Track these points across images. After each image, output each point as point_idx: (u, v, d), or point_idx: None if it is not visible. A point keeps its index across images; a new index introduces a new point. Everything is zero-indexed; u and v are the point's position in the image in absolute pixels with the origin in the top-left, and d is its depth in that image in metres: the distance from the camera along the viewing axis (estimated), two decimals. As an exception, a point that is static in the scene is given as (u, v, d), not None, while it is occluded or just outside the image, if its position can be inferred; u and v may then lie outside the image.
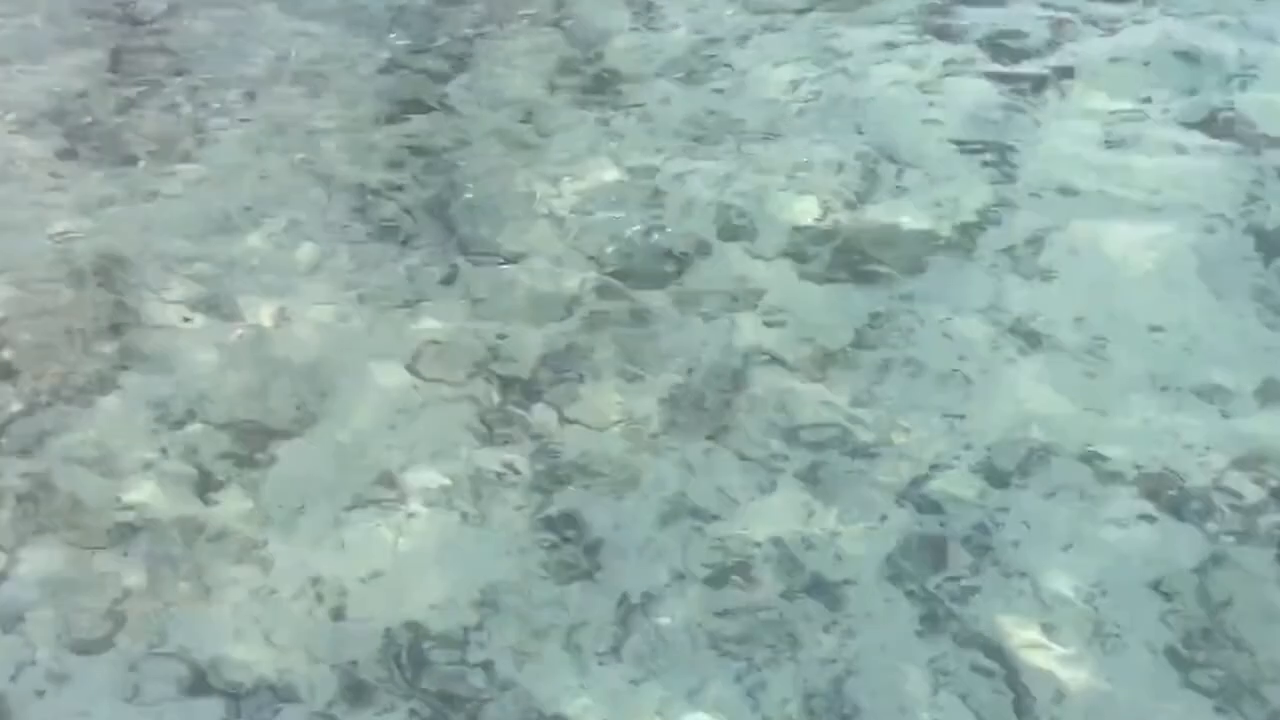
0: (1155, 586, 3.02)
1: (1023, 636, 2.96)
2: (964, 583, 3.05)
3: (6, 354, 3.60)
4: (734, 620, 3.01)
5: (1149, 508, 3.19)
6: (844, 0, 5.00)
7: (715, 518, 3.21)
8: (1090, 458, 3.31)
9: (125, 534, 3.18)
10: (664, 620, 3.00)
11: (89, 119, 4.44)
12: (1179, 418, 3.40)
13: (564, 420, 3.46)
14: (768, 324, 3.71)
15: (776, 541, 3.15)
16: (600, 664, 2.93)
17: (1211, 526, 3.13)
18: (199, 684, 2.91)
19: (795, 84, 4.60)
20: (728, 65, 4.71)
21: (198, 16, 4.93)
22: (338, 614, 3.04)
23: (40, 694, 2.89)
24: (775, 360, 3.61)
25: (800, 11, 4.94)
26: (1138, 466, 3.27)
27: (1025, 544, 3.12)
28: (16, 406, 3.47)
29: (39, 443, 3.38)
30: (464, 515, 3.23)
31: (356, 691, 2.90)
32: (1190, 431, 3.36)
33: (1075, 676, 2.88)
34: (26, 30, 4.84)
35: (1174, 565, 3.05)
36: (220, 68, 4.69)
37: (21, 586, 3.08)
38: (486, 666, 2.93)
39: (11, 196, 4.11)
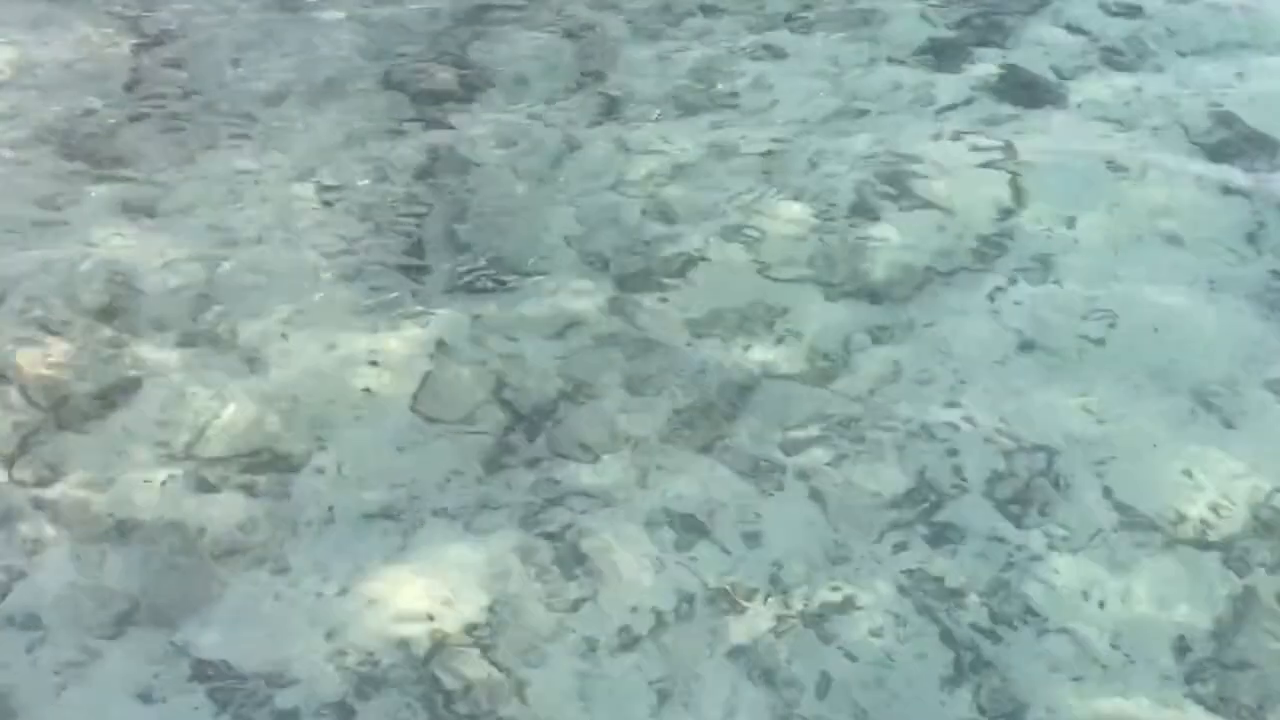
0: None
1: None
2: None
3: (17, 370, 3.60)
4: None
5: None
6: (849, 19, 5.03)
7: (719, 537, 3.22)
8: (1101, 475, 3.32)
9: (133, 554, 3.19)
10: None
11: (99, 134, 4.44)
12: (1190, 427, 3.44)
13: (569, 440, 3.46)
14: (776, 340, 3.72)
15: (779, 564, 3.16)
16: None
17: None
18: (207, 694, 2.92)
19: (804, 102, 4.62)
20: (736, 83, 4.72)
21: (208, 32, 4.94)
22: (343, 622, 3.05)
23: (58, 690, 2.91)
24: (782, 375, 3.61)
25: (809, 30, 4.98)
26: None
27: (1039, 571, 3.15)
28: (27, 425, 3.46)
29: (52, 459, 3.38)
30: (467, 535, 3.23)
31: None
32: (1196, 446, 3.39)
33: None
34: (37, 45, 4.85)
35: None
36: (230, 84, 4.69)
37: (35, 591, 3.09)
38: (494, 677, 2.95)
39: (19, 213, 4.11)
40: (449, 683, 2.93)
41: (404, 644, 2.99)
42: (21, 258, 3.93)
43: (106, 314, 3.77)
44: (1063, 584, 3.10)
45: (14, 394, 3.53)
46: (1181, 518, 3.24)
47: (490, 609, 3.06)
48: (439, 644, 2.99)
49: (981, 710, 2.88)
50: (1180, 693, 2.91)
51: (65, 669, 2.95)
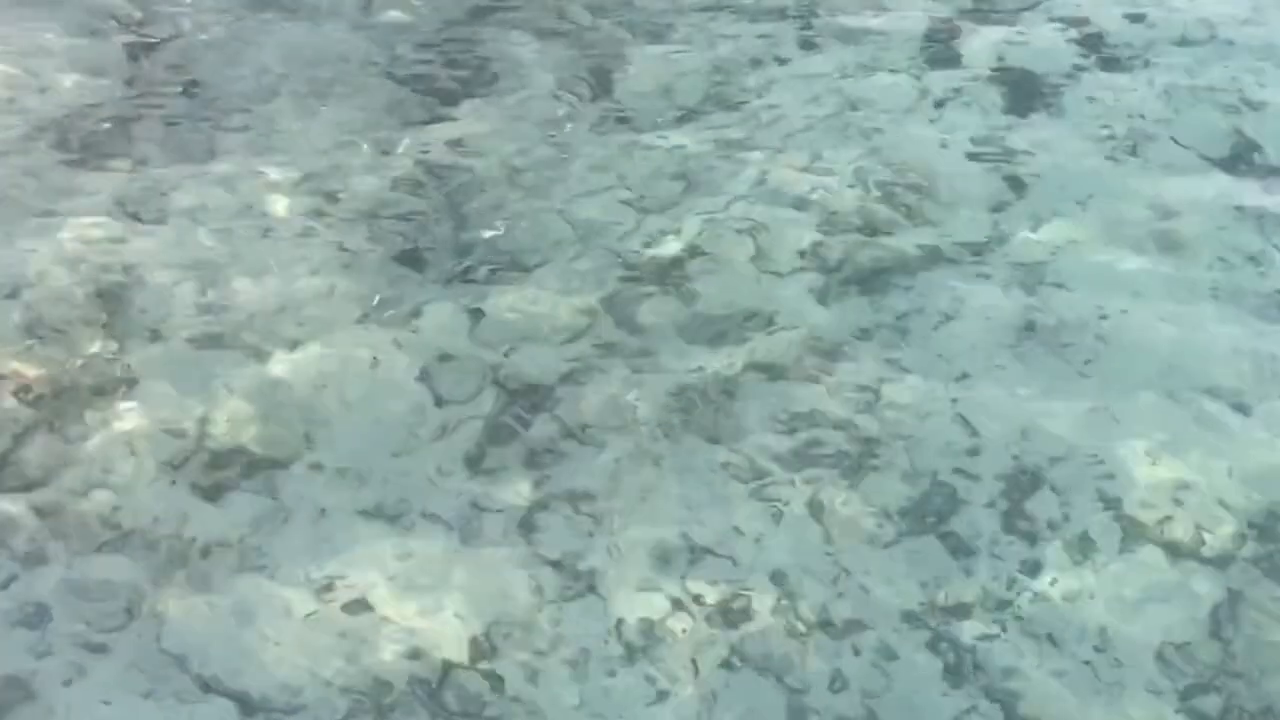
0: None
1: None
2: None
3: (14, 370, 3.59)
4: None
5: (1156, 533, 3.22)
6: (851, 19, 5.04)
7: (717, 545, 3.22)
8: (1100, 481, 3.32)
9: (132, 552, 3.18)
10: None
11: (99, 133, 4.44)
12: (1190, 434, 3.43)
13: (568, 441, 3.45)
14: (777, 339, 3.71)
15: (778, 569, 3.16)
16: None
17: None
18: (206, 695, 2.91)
19: (805, 101, 4.62)
20: (737, 84, 4.72)
21: (208, 32, 4.94)
22: (345, 629, 3.05)
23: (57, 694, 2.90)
24: (783, 376, 3.61)
25: (809, 31, 4.98)
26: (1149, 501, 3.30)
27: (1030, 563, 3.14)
28: (26, 422, 3.46)
29: (49, 459, 3.37)
30: (465, 538, 3.23)
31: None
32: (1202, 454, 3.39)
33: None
34: (39, 43, 4.84)
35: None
36: (230, 83, 4.69)
37: (32, 593, 3.08)
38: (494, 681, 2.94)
39: (20, 211, 4.10)
40: (447, 692, 2.92)
41: (401, 651, 2.98)
42: (20, 256, 3.93)
43: (105, 313, 3.76)
44: (1061, 589, 3.10)
45: (12, 394, 3.53)
46: (1181, 525, 3.23)
47: (489, 615, 3.04)
48: (437, 651, 2.98)
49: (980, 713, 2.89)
50: (1180, 700, 2.91)
51: (64, 674, 2.93)
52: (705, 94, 4.68)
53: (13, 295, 3.79)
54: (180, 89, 4.66)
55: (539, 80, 4.75)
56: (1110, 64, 4.81)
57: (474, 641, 2.99)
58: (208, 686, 2.91)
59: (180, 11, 5.05)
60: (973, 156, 4.37)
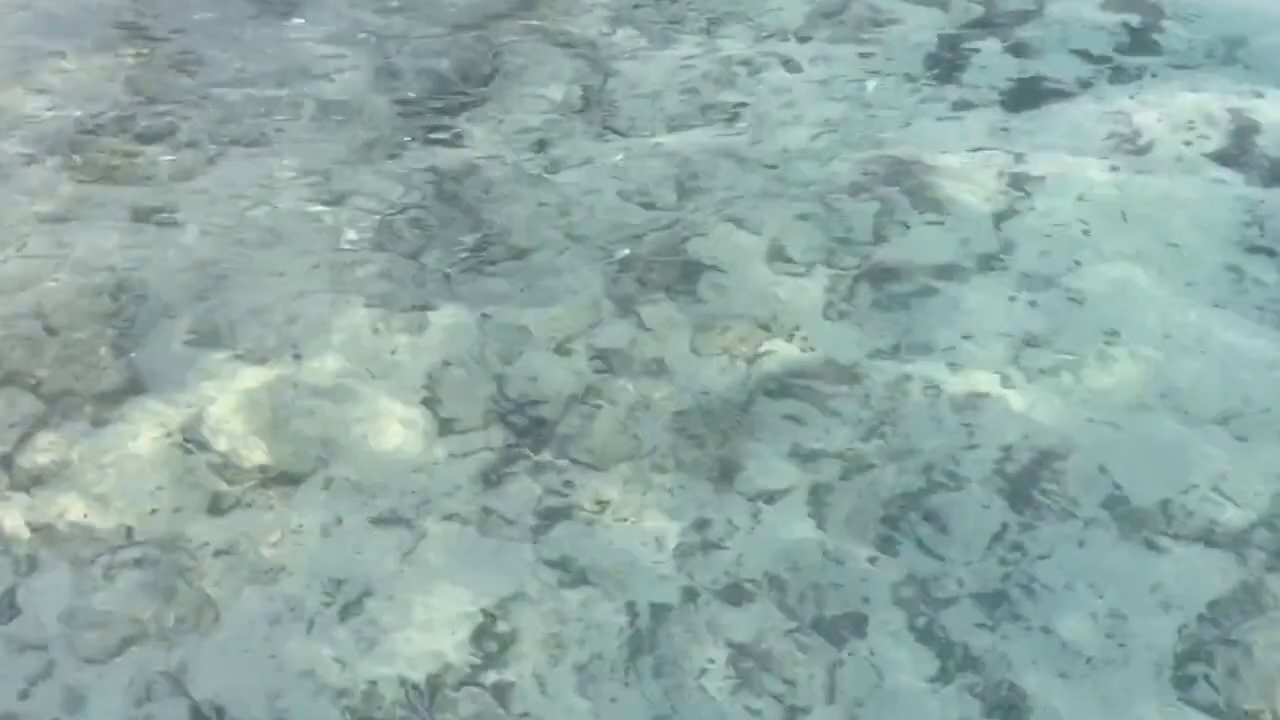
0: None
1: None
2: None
3: (20, 380, 3.61)
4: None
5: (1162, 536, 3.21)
6: (855, 26, 5.05)
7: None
8: (1108, 485, 3.32)
9: (136, 561, 3.19)
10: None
11: (107, 146, 4.47)
12: (1198, 444, 3.41)
13: (575, 451, 3.45)
14: (782, 347, 3.72)
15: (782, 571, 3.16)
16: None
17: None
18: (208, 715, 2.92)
19: (810, 107, 4.63)
20: (743, 91, 4.73)
21: (217, 45, 4.98)
22: (345, 641, 3.05)
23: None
24: (788, 381, 3.61)
25: (809, 40, 4.99)
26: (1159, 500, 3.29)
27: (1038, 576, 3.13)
28: (29, 434, 3.47)
29: (50, 472, 3.39)
30: (473, 546, 3.24)
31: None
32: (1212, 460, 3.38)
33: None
34: (48, 56, 4.89)
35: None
36: (239, 97, 4.72)
37: (35, 611, 3.09)
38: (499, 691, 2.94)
39: (27, 222, 4.13)
40: (453, 700, 2.92)
41: (405, 670, 2.98)
42: (28, 264, 3.96)
43: (112, 321, 3.78)
44: (1062, 584, 3.10)
45: (15, 399, 3.55)
46: (1182, 515, 3.23)
47: (494, 629, 3.05)
48: (442, 669, 2.98)
49: (977, 708, 2.89)
50: (1182, 689, 2.91)
51: (61, 697, 2.94)
52: (712, 100, 4.69)
53: (20, 299, 3.82)
54: (189, 100, 4.69)
55: (545, 86, 4.77)
56: (1117, 69, 4.80)
57: (479, 661, 2.99)
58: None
59: (191, 25, 5.09)
60: (980, 160, 4.37)
